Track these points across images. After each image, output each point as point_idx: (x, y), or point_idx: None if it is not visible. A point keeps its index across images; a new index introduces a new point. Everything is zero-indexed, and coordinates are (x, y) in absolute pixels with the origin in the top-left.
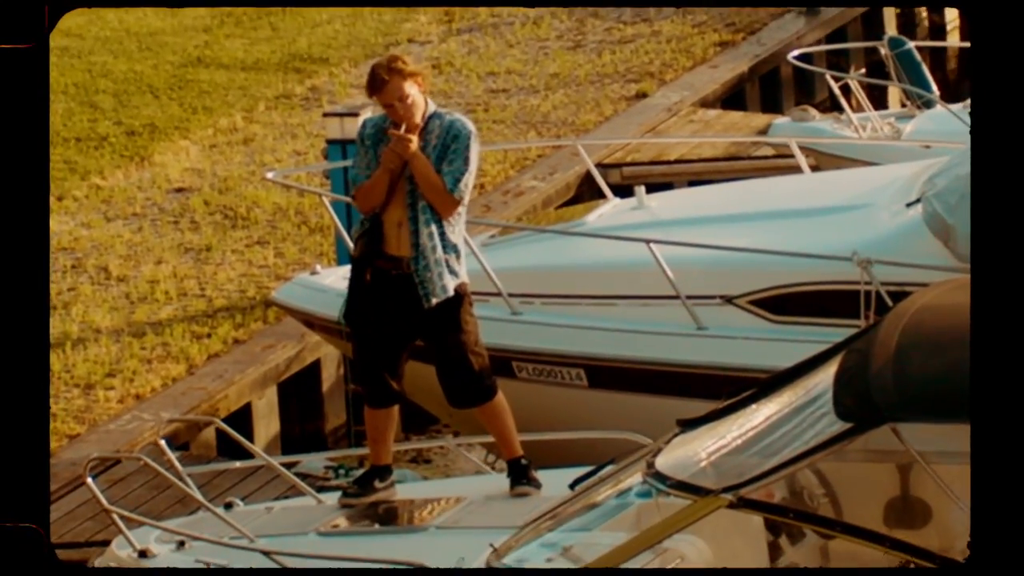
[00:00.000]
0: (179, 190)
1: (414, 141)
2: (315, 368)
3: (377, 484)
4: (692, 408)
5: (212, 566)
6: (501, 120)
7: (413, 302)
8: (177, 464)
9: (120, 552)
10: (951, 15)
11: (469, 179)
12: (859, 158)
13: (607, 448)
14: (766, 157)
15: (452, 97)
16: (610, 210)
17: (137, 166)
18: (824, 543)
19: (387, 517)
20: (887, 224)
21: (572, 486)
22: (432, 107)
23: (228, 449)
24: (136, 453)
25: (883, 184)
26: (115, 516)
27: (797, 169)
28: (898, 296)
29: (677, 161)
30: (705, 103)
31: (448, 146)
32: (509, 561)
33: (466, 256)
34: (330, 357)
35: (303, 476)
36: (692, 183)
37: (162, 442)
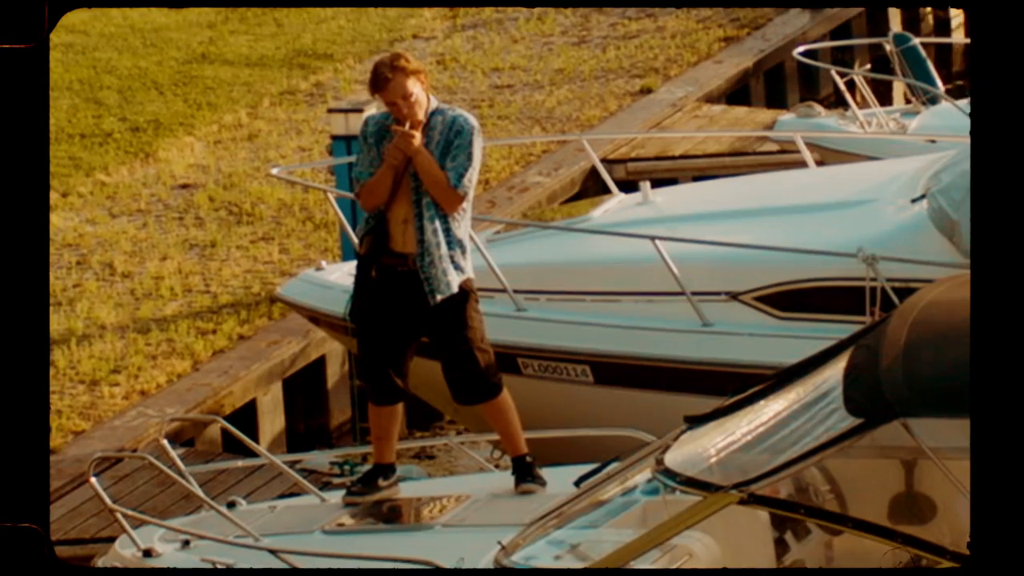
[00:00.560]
0: (184, 186)
1: (417, 137)
2: (320, 364)
3: (381, 482)
4: (698, 404)
5: (219, 566)
6: (506, 116)
7: (419, 299)
8: (179, 463)
9: (124, 551)
10: (956, 10)
11: (472, 174)
12: (864, 153)
13: (611, 445)
14: (771, 153)
15: (457, 93)
16: (615, 206)
17: (142, 162)
18: (829, 540)
19: (393, 515)
20: (892, 220)
21: (577, 483)
22: (435, 103)
23: (233, 445)
24: (140, 452)
25: (888, 180)
26: (119, 515)
27: (802, 165)
28: (903, 292)
29: (682, 156)
30: (710, 98)
31: (451, 142)
32: (518, 559)
33: (471, 252)
34: (335, 353)
35: (308, 472)
36: (697, 178)
37: (164, 441)
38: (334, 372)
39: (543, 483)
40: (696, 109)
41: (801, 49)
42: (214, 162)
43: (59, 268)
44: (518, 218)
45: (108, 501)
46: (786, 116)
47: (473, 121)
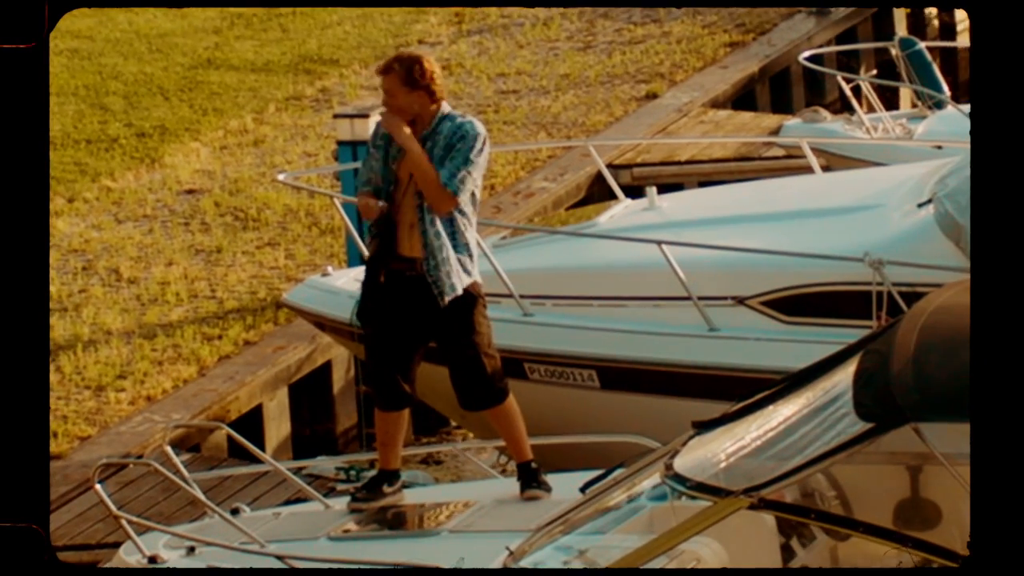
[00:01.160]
0: (190, 192)
1: (405, 128)
2: (326, 370)
3: (386, 489)
4: (704, 409)
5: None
6: (511, 121)
7: (427, 303)
8: (183, 470)
9: (129, 558)
10: (961, 15)
11: (467, 177)
12: (870, 159)
13: (617, 451)
14: (777, 158)
15: (462, 98)
16: (621, 211)
17: (147, 168)
18: (835, 545)
19: (398, 521)
20: (899, 225)
21: (583, 489)
22: (446, 108)
23: (238, 451)
24: (145, 459)
25: (894, 184)
26: (124, 522)
27: (808, 170)
28: (910, 297)
29: (688, 162)
30: (715, 104)
31: (453, 145)
32: (525, 564)
33: (478, 257)
34: (341, 359)
35: (314, 477)
36: (703, 184)
37: (168, 448)
38: (340, 378)
39: (548, 489)
40: (702, 114)
41: (807, 54)
42: (220, 168)
43: (65, 274)
44: (524, 223)
45: (113, 507)
46: (792, 121)
47: (480, 128)
